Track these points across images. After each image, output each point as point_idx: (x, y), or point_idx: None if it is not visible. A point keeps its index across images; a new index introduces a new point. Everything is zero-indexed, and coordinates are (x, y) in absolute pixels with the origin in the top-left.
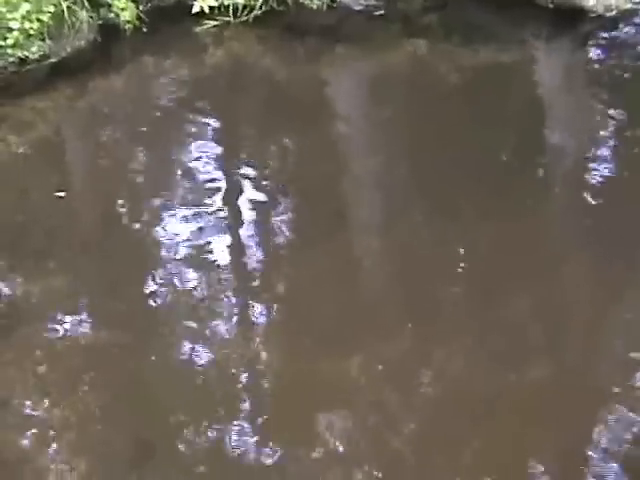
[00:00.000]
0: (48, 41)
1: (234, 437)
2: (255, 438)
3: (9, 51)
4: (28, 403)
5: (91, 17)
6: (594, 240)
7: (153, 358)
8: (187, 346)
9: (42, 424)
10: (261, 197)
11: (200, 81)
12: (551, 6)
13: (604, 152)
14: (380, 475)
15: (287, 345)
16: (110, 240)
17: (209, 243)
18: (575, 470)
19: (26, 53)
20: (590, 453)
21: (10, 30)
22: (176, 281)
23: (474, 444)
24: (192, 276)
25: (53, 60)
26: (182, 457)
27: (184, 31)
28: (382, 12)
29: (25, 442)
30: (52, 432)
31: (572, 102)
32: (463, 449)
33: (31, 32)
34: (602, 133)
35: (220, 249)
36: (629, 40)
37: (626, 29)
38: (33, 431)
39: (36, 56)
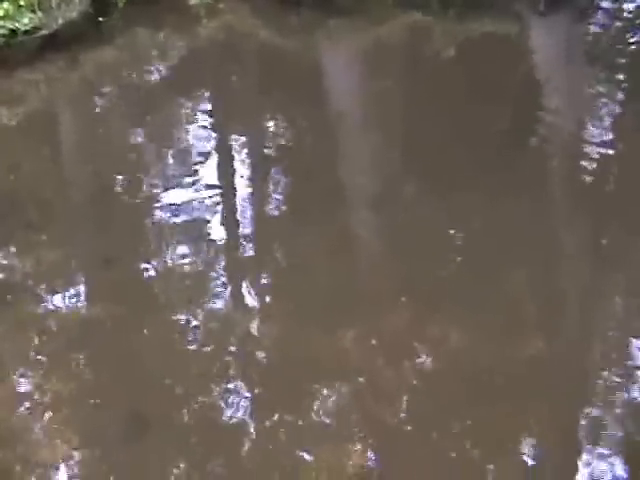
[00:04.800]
0: (39, 13)
1: (228, 410)
2: (249, 411)
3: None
4: (21, 377)
5: None
6: (591, 214)
7: (146, 332)
8: (181, 320)
9: (35, 398)
10: (256, 171)
11: (194, 53)
12: None
13: (602, 126)
14: (374, 447)
15: (282, 318)
16: (103, 213)
17: (203, 217)
18: (570, 443)
19: (17, 25)
20: (585, 427)
21: (0, 1)
22: (170, 254)
23: (469, 418)
24: (186, 250)
25: (44, 32)
26: (176, 430)
27: (178, 3)
28: None
29: (18, 416)
30: (45, 406)
31: (569, 75)
32: (458, 423)
33: (22, 3)
34: (600, 107)
35: (214, 223)
36: (627, 13)
37: (625, 3)
38: (26, 405)
39: (27, 28)
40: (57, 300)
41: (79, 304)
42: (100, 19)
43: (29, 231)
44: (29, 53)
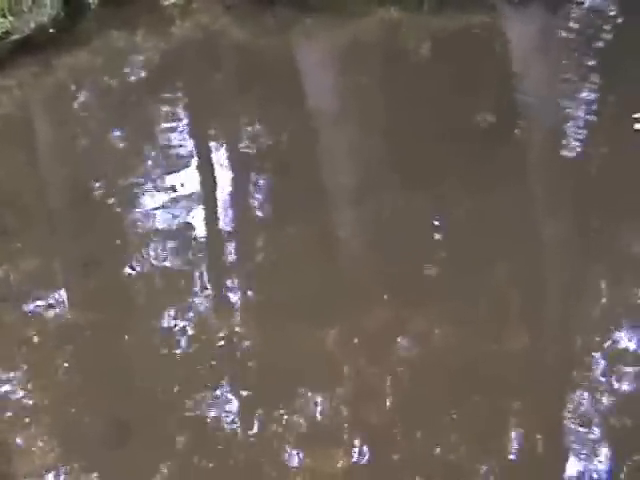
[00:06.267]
0: (10, 17)
1: (211, 414)
2: (233, 414)
3: None
4: (0, 386)
5: None
6: (574, 205)
7: (127, 336)
8: (163, 323)
9: (17, 407)
10: (236, 171)
11: (169, 54)
12: None
13: (580, 117)
14: (360, 445)
15: (265, 319)
16: (81, 217)
17: (184, 219)
18: (554, 438)
19: None
20: (569, 421)
21: None
22: (151, 258)
23: (453, 414)
24: (167, 252)
25: (16, 37)
26: (159, 436)
27: (150, 4)
28: None
29: (0, 425)
30: (27, 414)
31: (546, 66)
32: (442, 419)
33: None
34: (577, 97)
35: (195, 225)
36: (601, 3)
37: None
38: (8, 414)
39: None
40: (36, 307)
41: (58, 310)
42: (51, 30)
43: (5, 237)
44: (1, 58)
